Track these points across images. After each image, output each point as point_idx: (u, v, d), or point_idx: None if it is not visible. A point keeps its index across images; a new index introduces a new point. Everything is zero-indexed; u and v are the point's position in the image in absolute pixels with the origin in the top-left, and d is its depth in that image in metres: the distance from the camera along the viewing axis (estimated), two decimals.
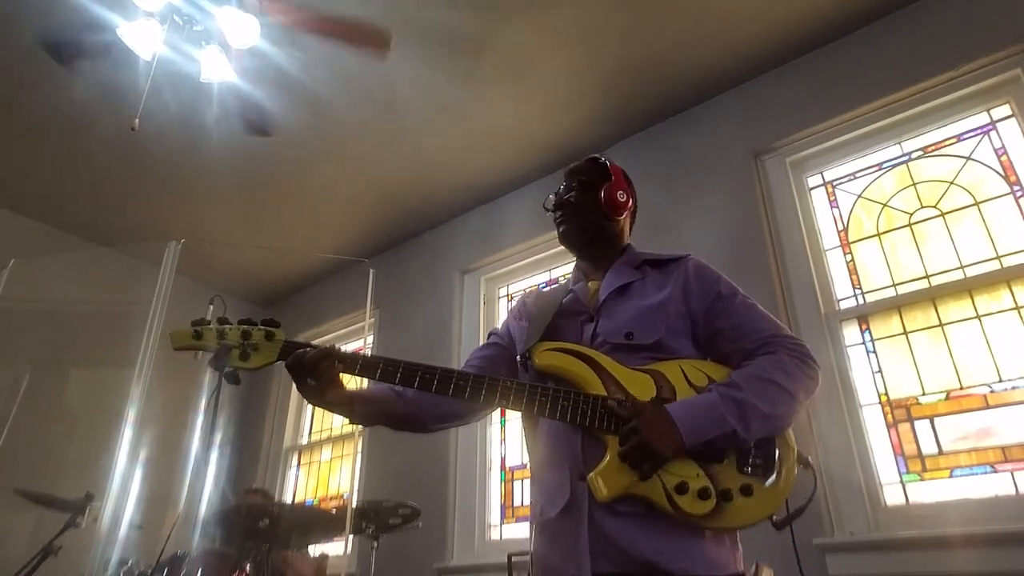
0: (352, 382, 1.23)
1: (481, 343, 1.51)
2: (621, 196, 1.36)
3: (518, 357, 1.26)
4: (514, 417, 3.20)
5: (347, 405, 1.22)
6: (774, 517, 1.05)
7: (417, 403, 1.27)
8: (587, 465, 1.08)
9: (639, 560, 1.02)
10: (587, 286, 1.34)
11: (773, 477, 1.06)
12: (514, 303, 1.50)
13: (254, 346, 1.17)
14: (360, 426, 1.34)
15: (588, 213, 1.36)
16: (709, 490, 1.02)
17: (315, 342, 4.60)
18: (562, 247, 1.45)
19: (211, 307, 2.65)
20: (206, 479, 2.53)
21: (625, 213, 1.39)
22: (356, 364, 1.18)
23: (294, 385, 1.20)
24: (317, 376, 1.15)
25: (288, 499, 4.08)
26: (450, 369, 1.16)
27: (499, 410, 1.59)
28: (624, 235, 1.43)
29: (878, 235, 2.53)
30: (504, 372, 1.31)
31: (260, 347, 1.17)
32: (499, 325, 1.47)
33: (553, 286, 1.51)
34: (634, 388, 1.12)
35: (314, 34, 2.46)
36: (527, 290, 3.52)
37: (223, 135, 3.16)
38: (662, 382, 1.13)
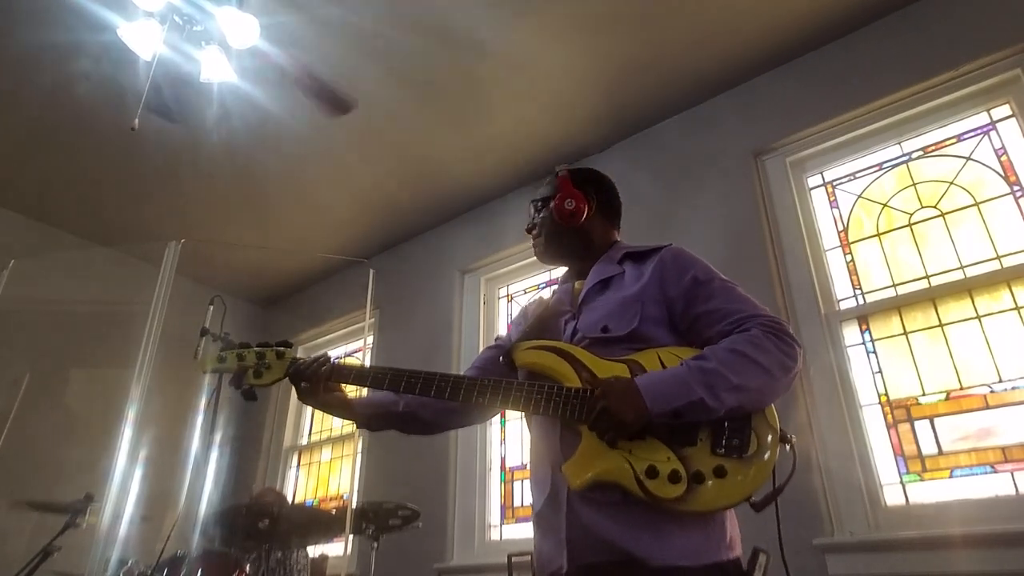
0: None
1: (482, 344, 1.56)
2: (569, 204, 1.37)
3: (501, 358, 1.30)
4: (514, 417, 3.20)
5: (346, 407, 1.33)
6: (753, 498, 1.02)
7: (418, 401, 1.33)
8: (564, 456, 1.11)
9: (617, 550, 1.02)
10: (572, 286, 1.39)
11: (749, 457, 1.03)
12: (516, 310, 1.55)
13: (267, 365, 1.32)
14: (367, 430, 1.42)
15: (549, 229, 1.41)
16: (680, 473, 1.02)
17: (316, 342, 4.58)
18: None
19: (211, 307, 2.64)
20: (206, 479, 2.53)
21: (582, 218, 1.38)
22: (351, 373, 1.30)
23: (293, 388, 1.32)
24: (308, 379, 1.28)
25: (288, 499, 4.08)
26: (433, 372, 1.23)
27: (500, 411, 1.65)
28: (598, 234, 1.42)
29: (878, 235, 2.53)
30: (502, 372, 1.33)
31: (272, 366, 1.32)
32: (502, 329, 1.52)
33: (553, 287, 1.55)
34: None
35: (292, 81, 2.64)
36: (527, 293, 3.52)
37: (223, 135, 3.16)
38: (637, 370, 1.14)
